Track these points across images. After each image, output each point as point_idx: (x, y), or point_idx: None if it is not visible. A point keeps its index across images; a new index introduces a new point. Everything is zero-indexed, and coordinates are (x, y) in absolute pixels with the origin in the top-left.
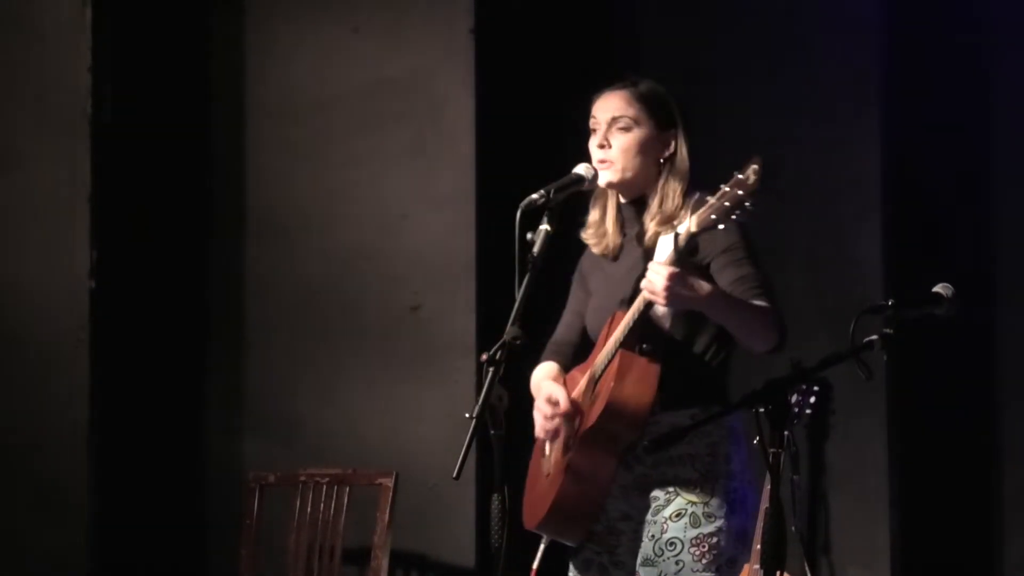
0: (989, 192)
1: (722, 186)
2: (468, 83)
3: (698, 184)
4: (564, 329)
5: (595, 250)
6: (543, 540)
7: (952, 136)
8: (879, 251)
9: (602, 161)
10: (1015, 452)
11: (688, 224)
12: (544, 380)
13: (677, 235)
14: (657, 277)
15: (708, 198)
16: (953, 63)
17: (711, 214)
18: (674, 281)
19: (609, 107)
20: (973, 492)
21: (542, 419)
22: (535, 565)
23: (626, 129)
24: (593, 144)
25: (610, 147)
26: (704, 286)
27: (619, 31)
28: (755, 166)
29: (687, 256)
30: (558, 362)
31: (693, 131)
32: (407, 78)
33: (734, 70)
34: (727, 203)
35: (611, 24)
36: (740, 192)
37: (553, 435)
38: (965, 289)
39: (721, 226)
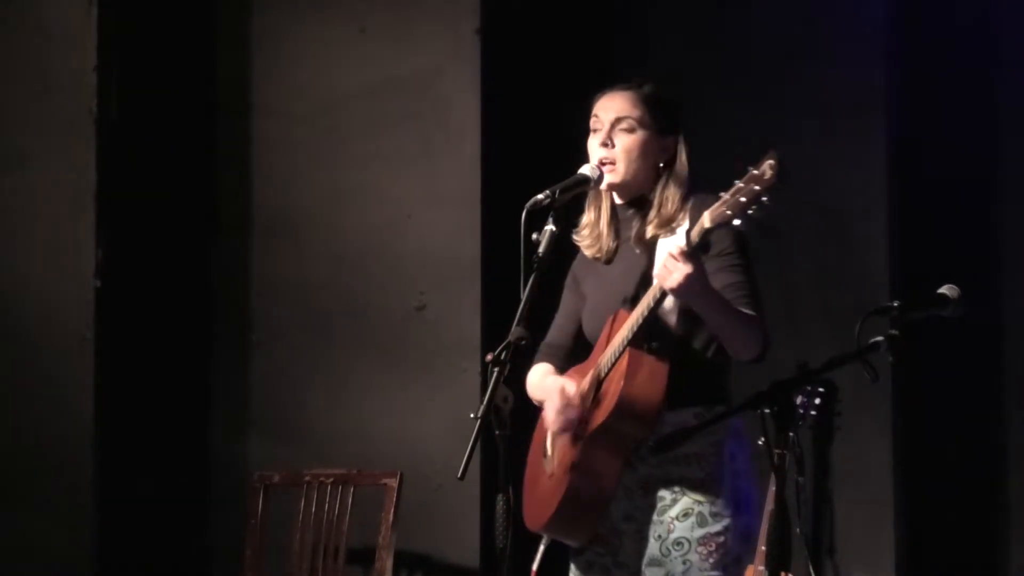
0: (995, 194)
1: (736, 182)
2: (474, 83)
3: (699, 186)
4: (557, 332)
5: (588, 252)
6: (543, 541)
7: (957, 138)
8: (885, 252)
9: (603, 161)
10: (1021, 454)
11: (702, 220)
12: (549, 376)
13: (689, 232)
14: (675, 264)
15: (722, 194)
16: (958, 67)
17: (726, 209)
18: (693, 272)
19: (613, 107)
20: (979, 494)
21: (554, 412)
22: (535, 567)
23: (629, 131)
24: (595, 143)
25: (613, 147)
26: (710, 287)
27: (624, 32)
28: (771, 161)
29: (700, 252)
30: (553, 364)
31: (696, 134)
32: (413, 78)
33: (739, 73)
34: (742, 198)
35: (616, 25)
36: (756, 187)
37: (565, 427)
38: (971, 291)
39: (737, 221)
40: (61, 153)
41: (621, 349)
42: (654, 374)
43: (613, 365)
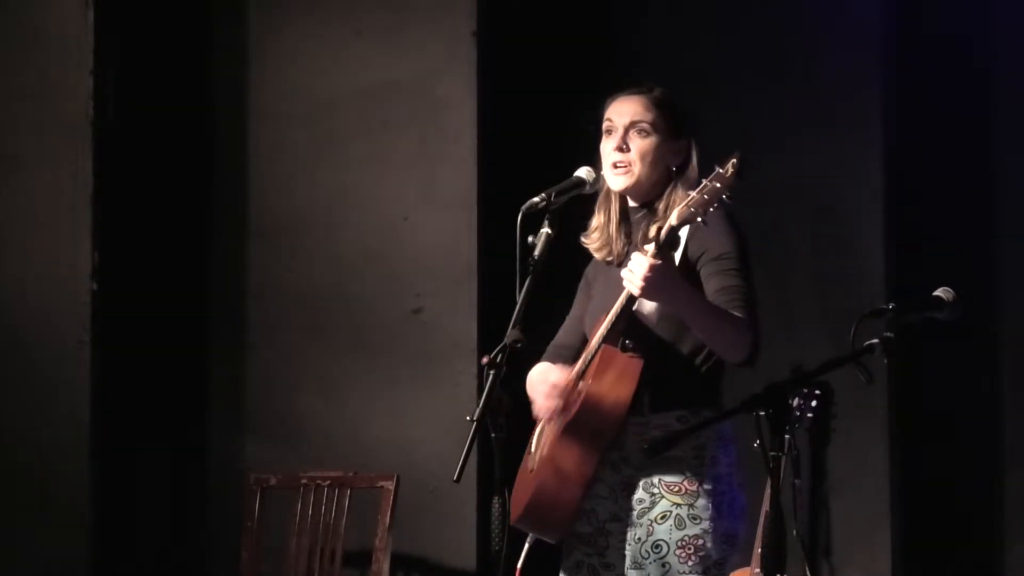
0: (991, 196)
1: (704, 180)
2: (470, 86)
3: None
4: (565, 333)
5: (598, 255)
6: (528, 539)
7: (953, 140)
8: (881, 255)
9: (618, 164)
10: (1016, 456)
11: (668, 218)
12: (542, 371)
13: (659, 229)
14: (638, 267)
15: (691, 192)
16: (954, 68)
17: (690, 207)
18: (655, 272)
19: (627, 111)
20: (974, 496)
21: (542, 398)
22: (519, 564)
23: (644, 134)
24: (609, 147)
25: (628, 150)
26: (684, 285)
27: (621, 35)
28: (734, 160)
29: (667, 250)
30: (556, 364)
31: (695, 135)
32: (409, 81)
33: (735, 74)
34: (706, 196)
35: (613, 27)
36: (718, 185)
37: (551, 415)
38: (966, 293)
39: (700, 219)
40: (58, 156)
41: (596, 348)
42: (624, 372)
43: (589, 363)
